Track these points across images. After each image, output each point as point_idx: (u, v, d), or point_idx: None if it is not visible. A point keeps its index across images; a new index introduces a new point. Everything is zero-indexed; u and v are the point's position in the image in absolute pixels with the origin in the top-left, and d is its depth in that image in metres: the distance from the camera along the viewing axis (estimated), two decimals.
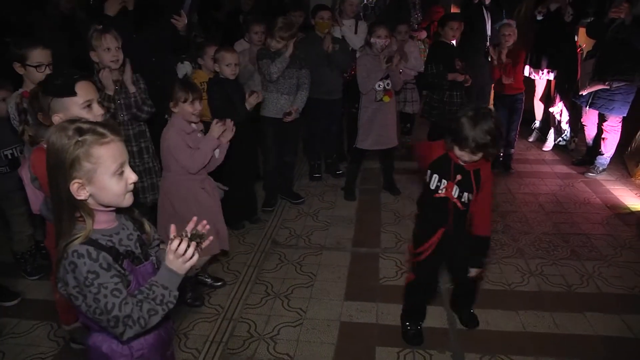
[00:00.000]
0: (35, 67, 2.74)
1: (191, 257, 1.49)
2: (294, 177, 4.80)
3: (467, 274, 2.74)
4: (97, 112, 2.12)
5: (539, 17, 5.49)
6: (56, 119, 2.04)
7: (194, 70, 4.14)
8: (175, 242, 1.48)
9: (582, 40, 5.69)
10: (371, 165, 5.14)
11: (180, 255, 1.47)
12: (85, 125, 1.45)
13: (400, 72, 4.77)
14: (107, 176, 1.45)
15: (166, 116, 3.11)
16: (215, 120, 3.04)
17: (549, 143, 5.90)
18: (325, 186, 4.95)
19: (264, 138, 4.34)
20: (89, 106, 2.09)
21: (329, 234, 4.00)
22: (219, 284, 3.30)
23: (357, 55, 4.73)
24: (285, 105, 4.20)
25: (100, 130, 1.46)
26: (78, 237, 1.44)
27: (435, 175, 2.58)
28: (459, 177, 2.51)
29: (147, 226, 1.67)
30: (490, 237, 2.75)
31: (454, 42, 4.92)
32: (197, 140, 2.99)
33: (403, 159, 5.51)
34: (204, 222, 1.60)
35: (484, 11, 5.66)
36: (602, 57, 4.77)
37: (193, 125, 3.01)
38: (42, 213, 2.53)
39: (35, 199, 2.60)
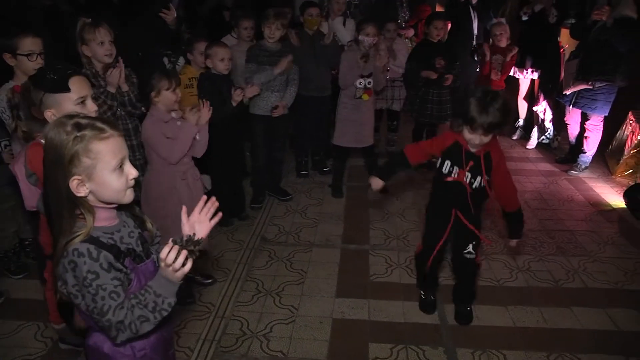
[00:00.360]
0: (27, 55, 2.70)
1: (182, 266, 1.42)
2: (281, 173, 4.79)
3: (464, 251, 2.83)
4: (90, 109, 2.07)
5: (525, 18, 5.55)
6: (48, 114, 1.99)
7: (183, 65, 4.10)
8: (165, 250, 1.42)
9: (565, 40, 5.78)
10: (358, 162, 5.14)
11: (170, 265, 1.41)
12: (83, 121, 1.42)
13: (388, 70, 4.80)
14: (107, 172, 1.42)
15: (142, 109, 3.08)
16: (188, 108, 3.00)
17: (533, 141, 5.97)
18: (312, 183, 4.95)
19: (254, 136, 4.34)
20: (82, 102, 2.04)
21: (318, 231, 4.00)
22: (209, 281, 3.27)
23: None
24: (276, 102, 4.20)
25: (99, 125, 1.42)
26: (79, 235, 1.41)
27: (447, 162, 2.67)
28: (471, 163, 2.59)
29: (149, 223, 1.64)
30: (520, 208, 2.80)
31: (439, 40, 4.96)
32: (175, 129, 2.93)
33: (388, 156, 5.55)
34: (213, 198, 1.58)
35: (471, 11, 5.71)
36: (585, 57, 4.84)
37: (172, 114, 2.96)
38: (39, 209, 2.48)
39: (31, 195, 2.54)
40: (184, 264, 1.41)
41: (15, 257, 3.48)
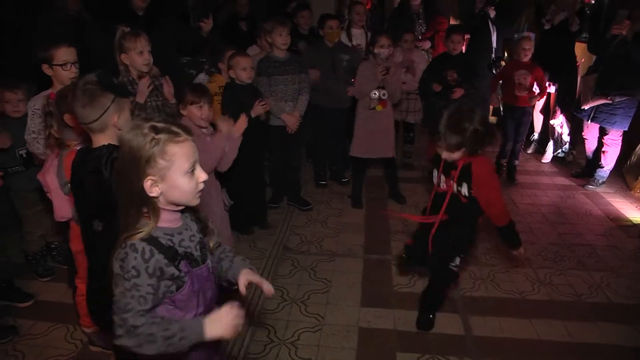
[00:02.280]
0: (61, 65, 2.76)
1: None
2: (300, 182, 4.83)
3: (440, 263, 2.88)
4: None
5: (546, 27, 5.56)
6: (115, 119, 1.98)
7: (213, 74, 4.14)
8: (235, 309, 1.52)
9: (580, 55, 5.80)
10: (377, 173, 5.16)
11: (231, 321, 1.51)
12: (159, 124, 1.47)
13: (404, 83, 4.84)
14: (179, 174, 1.47)
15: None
16: (221, 117, 3.02)
17: (548, 155, 5.99)
18: (331, 193, 4.98)
19: (272, 145, 4.42)
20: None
21: (340, 241, 4.03)
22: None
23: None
24: (288, 111, 4.25)
25: (175, 129, 1.48)
26: (141, 232, 1.47)
27: (435, 170, 2.80)
28: (452, 172, 2.68)
29: (211, 229, 1.69)
30: (510, 224, 2.74)
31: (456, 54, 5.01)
32: (204, 143, 2.93)
33: (406, 167, 5.58)
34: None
35: (490, 23, 5.76)
36: (604, 72, 4.87)
37: (203, 129, 2.97)
38: (74, 219, 2.50)
39: (62, 205, 2.56)
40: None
41: (43, 260, 3.53)
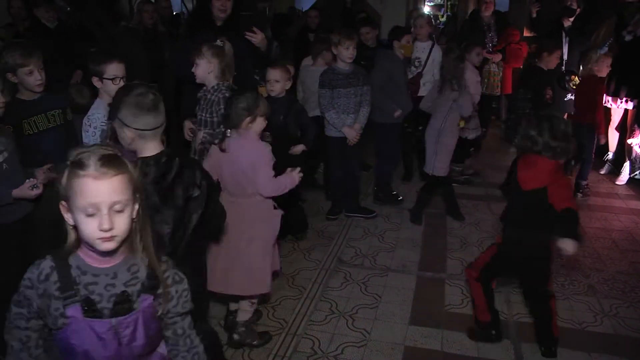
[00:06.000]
0: (112, 79, 2.93)
1: None
2: (360, 193, 4.83)
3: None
4: None
5: (628, 38, 5.25)
6: None
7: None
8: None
9: None
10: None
11: None
12: (84, 150, 1.38)
13: None
14: (77, 210, 1.35)
15: (227, 131, 2.77)
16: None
17: (624, 176, 5.64)
18: (390, 207, 4.92)
19: (329, 156, 4.48)
20: None
21: (395, 256, 3.99)
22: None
23: None
24: (350, 123, 4.27)
25: (85, 160, 1.35)
26: (57, 251, 1.40)
27: None
28: None
29: (166, 293, 1.47)
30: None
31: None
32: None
33: (467, 184, 5.45)
34: None
35: (563, 35, 5.52)
36: None
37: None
38: None
39: None
40: None
41: None
